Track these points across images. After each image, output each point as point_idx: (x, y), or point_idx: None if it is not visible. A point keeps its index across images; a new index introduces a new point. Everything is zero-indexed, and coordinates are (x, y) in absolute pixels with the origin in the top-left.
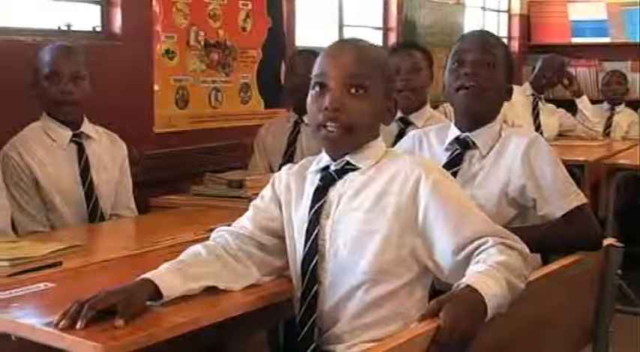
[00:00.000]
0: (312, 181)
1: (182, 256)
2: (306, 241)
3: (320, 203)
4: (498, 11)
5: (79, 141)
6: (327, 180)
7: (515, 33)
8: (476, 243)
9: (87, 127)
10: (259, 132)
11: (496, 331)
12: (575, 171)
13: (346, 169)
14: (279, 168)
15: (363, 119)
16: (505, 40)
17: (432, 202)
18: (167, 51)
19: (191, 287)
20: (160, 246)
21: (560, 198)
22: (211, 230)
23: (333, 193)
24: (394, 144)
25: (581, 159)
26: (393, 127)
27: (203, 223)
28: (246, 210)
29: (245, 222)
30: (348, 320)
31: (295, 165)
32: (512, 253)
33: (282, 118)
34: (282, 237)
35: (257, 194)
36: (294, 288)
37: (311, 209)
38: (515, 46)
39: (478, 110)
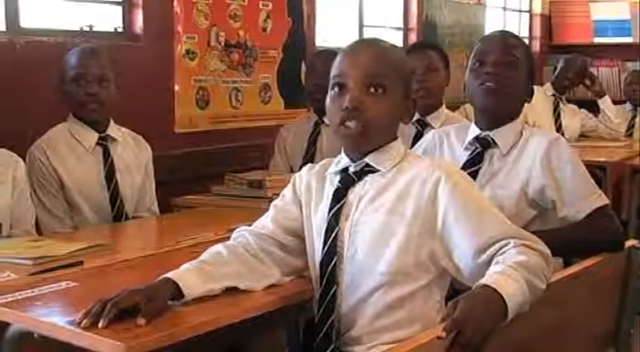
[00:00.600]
0: (332, 182)
1: (203, 256)
2: (324, 242)
3: (339, 205)
4: (519, 11)
5: (104, 143)
6: (347, 181)
7: (537, 33)
8: (497, 246)
9: (113, 130)
10: (280, 132)
11: (517, 333)
12: (597, 172)
13: (365, 171)
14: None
15: (382, 118)
16: (526, 41)
17: (452, 205)
18: (188, 51)
19: (212, 287)
20: (182, 245)
21: (581, 199)
22: (232, 230)
23: (353, 195)
24: (412, 146)
25: (603, 160)
26: (411, 129)
27: (224, 223)
28: (267, 210)
29: (266, 222)
30: (366, 322)
31: (316, 166)
32: (532, 253)
33: (303, 119)
34: (302, 237)
35: (278, 194)
36: (314, 290)
37: (330, 210)
38: (536, 46)
39: (497, 108)
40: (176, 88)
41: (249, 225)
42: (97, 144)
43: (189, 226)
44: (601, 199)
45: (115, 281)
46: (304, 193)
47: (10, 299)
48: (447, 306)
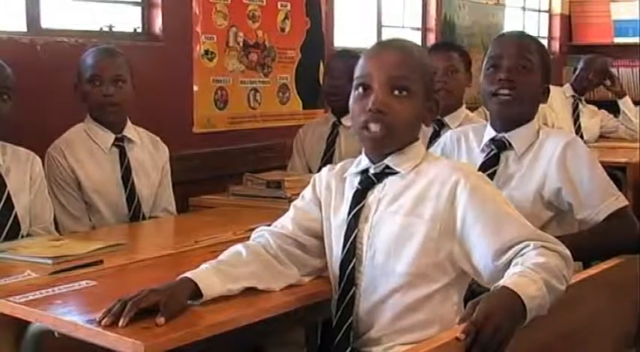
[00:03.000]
0: (352, 184)
1: (223, 256)
2: (344, 244)
3: (359, 207)
4: (539, 11)
5: (121, 144)
6: (367, 183)
7: (556, 33)
8: (516, 248)
9: (129, 131)
10: (298, 133)
11: (536, 335)
12: (617, 173)
13: (385, 173)
14: (318, 170)
15: (405, 120)
16: (545, 41)
17: (471, 207)
18: (207, 51)
19: (230, 287)
20: (200, 245)
21: (599, 201)
22: (251, 230)
23: (372, 197)
24: (429, 145)
25: (623, 160)
26: (428, 129)
27: (242, 223)
28: (285, 210)
29: (286, 222)
30: (385, 323)
31: (336, 166)
32: (552, 255)
33: (321, 120)
34: (322, 238)
35: (296, 194)
36: (333, 291)
37: (350, 212)
38: (556, 46)
39: (513, 115)
40: (195, 88)
41: (269, 225)
42: (114, 145)
43: (208, 226)
44: (620, 201)
45: (135, 280)
46: (324, 194)
47: (30, 298)
48: (465, 308)
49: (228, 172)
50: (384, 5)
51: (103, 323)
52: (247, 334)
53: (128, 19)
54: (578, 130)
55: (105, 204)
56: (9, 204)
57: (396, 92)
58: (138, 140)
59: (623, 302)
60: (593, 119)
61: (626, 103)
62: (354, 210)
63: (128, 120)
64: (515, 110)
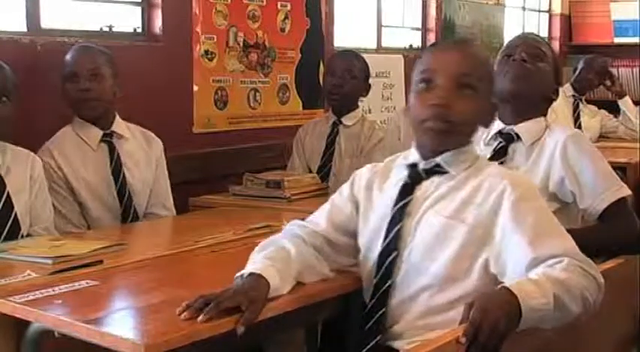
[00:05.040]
0: (398, 175)
1: (271, 251)
2: (386, 235)
3: (406, 200)
4: (539, 11)
5: (109, 140)
6: (416, 177)
7: (556, 33)
8: (550, 262)
9: (118, 126)
10: (298, 133)
11: (538, 335)
12: (618, 172)
13: (435, 170)
14: (318, 170)
15: (467, 119)
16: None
17: (513, 216)
18: (206, 52)
19: (285, 290)
20: (200, 245)
21: (602, 190)
22: (250, 230)
23: (420, 193)
24: None
25: (623, 160)
26: None
27: (242, 223)
28: (285, 210)
29: (320, 220)
30: (411, 320)
31: (380, 164)
32: (581, 274)
33: (321, 119)
34: (353, 236)
35: (296, 194)
36: (364, 281)
37: (396, 204)
38: (556, 46)
39: (524, 95)
40: (195, 88)
41: (302, 219)
42: (102, 141)
43: (208, 226)
44: (622, 191)
45: (135, 280)
46: (363, 191)
47: (30, 298)
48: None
49: (228, 172)
50: (384, 5)
51: (182, 316)
52: (247, 333)
53: (128, 19)
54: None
55: (96, 200)
56: (9, 205)
57: (462, 89)
58: (128, 135)
59: (624, 302)
60: (593, 119)
61: (626, 103)
62: (401, 203)
63: (117, 116)
64: (526, 88)
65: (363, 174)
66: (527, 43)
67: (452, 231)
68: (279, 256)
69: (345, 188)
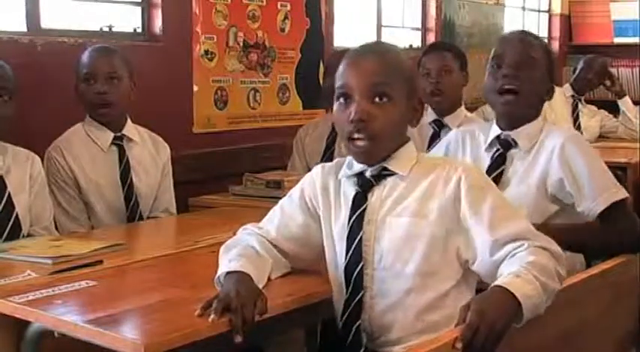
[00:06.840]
0: (348, 187)
1: (239, 249)
2: (348, 248)
3: (361, 209)
4: (539, 11)
5: (120, 143)
6: (366, 185)
7: (556, 33)
8: (510, 246)
9: (129, 130)
10: (298, 133)
11: (538, 334)
12: (618, 173)
13: (383, 174)
14: None
15: (389, 127)
16: (545, 41)
17: (473, 201)
18: (206, 52)
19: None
20: (200, 245)
21: (599, 192)
22: None
23: (374, 198)
24: (429, 146)
25: (623, 160)
26: (428, 130)
27: (242, 223)
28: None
29: (270, 227)
30: (405, 325)
31: (326, 166)
32: (543, 254)
33: (321, 120)
34: (306, 245)
35: None
36: (334, 293)
37: (351, 216)
38: (555, 46)
39: (518, 114)
40: (195, 88)
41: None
42: (113, 143)
43: (208, 226)
44: (620, 193)
45: (135, 280)
46: (321, 196)
47: (30, 298)
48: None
49: (228, 172)
50: (384, 5)
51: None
52: (247, 334)
53: (128, 19)
54: (577, 130)
55: (103, 203)
56: (9, 205)
57: (377, 99)
58: (138, 139)
59: (624, 302)
60: (592, 119)
61: (626, 103)
62: (357, 214)
63: (128, 118)
64: (518, 107)
65: (316, 177)
66: (517, 50)
67: (418, 230)
68: (251, 255)
69: (295, 193)
